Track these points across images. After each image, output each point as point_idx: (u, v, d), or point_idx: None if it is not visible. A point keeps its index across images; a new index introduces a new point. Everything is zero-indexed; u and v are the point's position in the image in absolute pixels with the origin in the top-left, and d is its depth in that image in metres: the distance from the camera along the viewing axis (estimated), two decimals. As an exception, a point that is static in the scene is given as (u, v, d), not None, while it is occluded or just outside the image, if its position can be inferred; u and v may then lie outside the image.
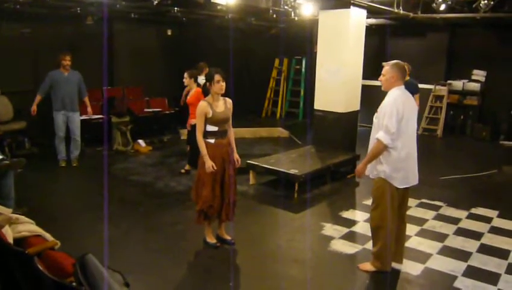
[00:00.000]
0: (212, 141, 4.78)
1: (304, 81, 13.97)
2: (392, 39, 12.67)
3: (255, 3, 8.63)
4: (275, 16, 9.67)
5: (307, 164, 7.35)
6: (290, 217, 6.14)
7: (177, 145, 10.00)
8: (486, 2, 8.45)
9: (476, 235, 5.51)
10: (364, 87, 8.84)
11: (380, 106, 4.31)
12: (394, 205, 4.31)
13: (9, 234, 3.31)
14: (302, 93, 14.08)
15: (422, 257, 4.90)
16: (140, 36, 11.90)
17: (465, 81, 11.97)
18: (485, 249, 5.13)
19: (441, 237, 5.45)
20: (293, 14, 9.84)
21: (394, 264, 4.59)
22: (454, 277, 4.47)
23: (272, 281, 4.43)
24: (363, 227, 5.71)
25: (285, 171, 6.84)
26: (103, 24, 9.96)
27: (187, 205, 6.35)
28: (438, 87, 12.23)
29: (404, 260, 4.75)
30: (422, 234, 5.54)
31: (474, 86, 11.83)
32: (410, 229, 5.63)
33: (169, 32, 12.65)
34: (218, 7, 8.79)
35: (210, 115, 4.71)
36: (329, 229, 5.62)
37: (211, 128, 4.78)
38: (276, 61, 14.59)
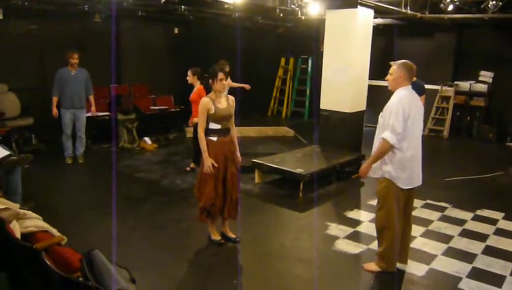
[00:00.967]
0: (214, 138, 4.78)
1: (310, 81, 13.96)
2: (399, 39, 12.64)
3: (262, 2, 8.63)
4: (281, 14, 9.67)
5: (312, 163, 7.36)
6: (295, 216, 6.15)
7: (182, 143, 10.03)
8: (494, 2, 8.40)
9: (481, 237, 5.49)
10: (370, 87, 8.83)
11: (386, 105, 4.30)
12: (399, 205, 4.31)
13: (17, 229, 3.35)
14: (308, 92, 14.07)
15: (427, 258, 4.90)
16: (147, 34, 11.94)
17: (472, 82, 11.92)
18: (490, 251, 5.11)
19: (446, 238, 5.44)
20: (299, 13, 9.84)
21: (399, 265, 4.59)
22: (459, 279, 4.46)
23: (276, 280, 4.44)
24: (367, 227, 5.70)
25: (291, 170, 6.84)
26: (111, 22, 10.00)
27: (192, 203, 6.36)
28: (444, 88, 12.18)
29: (409, 261, 4.74)
30: (427, 235, 5.53)
31: (481, 87, 11.78)
32: (415, 230, 5.62)
33: (176, 31, 12.68)
34: (225, 6, 8.80)
35: (212, 111, 4.71)
36: (334, 228, 5.63)
37: (213, 125, 4.78)
38: (283, 60, 14.59)
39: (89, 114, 8.27)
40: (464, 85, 12.00)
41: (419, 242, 5.29)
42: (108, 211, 5.78)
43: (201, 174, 4.85)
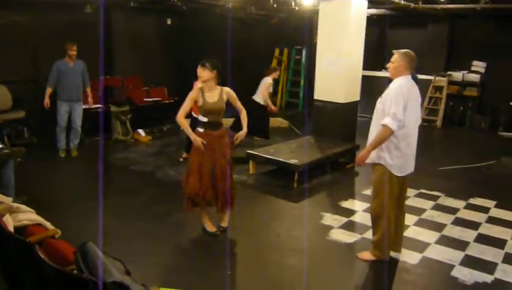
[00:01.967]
0: (201, 130, 4.77)
1: (304, 71, 13.95)
2: (393, 30, 12.66)
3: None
4: (275, 5, 9.64)
5: (307, 153, 7.37)
6: (290, 206, 6.17)
7: (176, 134, 10.00)
8: (486, -8, 8.42)
9: (473, 225, 5.54)
10: (364, 77, 8.84)
11: (385, 93, 4.29)
12: (394, 193, 4.34)
13: (10, 223, 3.33)
14: (302, 83, 14.07)
15: (420, 246, 4.94)
16: (139, 25, 11.85)
17: (465, 72, 11.96)
18: (482, 239, 5.16)
19: (439, 226, 5.48)
20: (293, 4, 9.81)
21: (392, 253, 4.62)
22: (452, 266, 4.50)
23: (270, 269, 4.46)
24: (362, 217, 5.74)
25: (285, 161, 6.85)
26: (102, 13, 9.91)
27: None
28: (437, 78, 12.21)
29: (403, 249, 4.78)
30: (421, 223, 5.57)
31: (474, 77, 11.82)
32: (409, 218, 5.66)
33: (168, 22, 12.59)
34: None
35: (200, 103, 4.70)
36: (329, 218, 5.65)
37: (201, 117, 4.78)
38: (276, 51, 14.56)
39: (86, 106, 8.23)
40: (457, 75, 12.04)
41: (412, 231, 5.33)
42: (102, 204, 5.77)
43: (189, 163, 4.86)
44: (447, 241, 5.08)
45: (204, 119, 4.75)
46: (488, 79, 11.77)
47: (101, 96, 9.44)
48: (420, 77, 12.20)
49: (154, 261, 4.47)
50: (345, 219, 5.64)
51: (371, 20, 9.91)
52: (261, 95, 9.09)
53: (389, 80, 4.44)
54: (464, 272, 4.39)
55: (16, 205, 3.61)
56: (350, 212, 5.90)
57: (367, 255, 4.61)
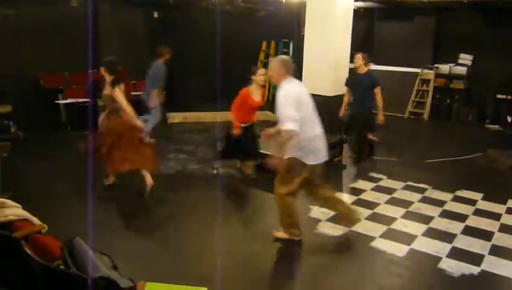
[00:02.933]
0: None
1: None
2: (380, 23, 12.69)
3: (243, -15, 8.57)
4: (262, -2, 9.61)
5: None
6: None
7: (164, 128, 9.96)
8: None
9: (460, 218, 5.59)
10: (351, 70, 8.84)
11: (277, 101, 4.44)
12: (303, 180, 4.63)
13: (-4, 218, 3.30)
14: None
15: (407, 238, 4.97)
16: (126, 18, 11.75)
17: (452, 65, 12.03)
18: (469, 231, 5.21)
19: (426, 219, 5.53)
20: (280, -3, 9.79)
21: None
22: (439, 258, 4.54)
23: (258, 261, 4.47)
24: (349, 210, 5.76)
25: (272, 155, 6.83)
26: (88, 6, 9.81)
27: (175, 189, 6.37)
28: (424, 70, 12.28)
29: (390, 242, 4.84)
30: (408, 216, 5.61)
31: (461, 70, 11.91)
32: (396, 211, 5.72)
33: (155, 15, 12.50)
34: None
35: None
36: (317, 211, 5.67)
37: None
38: (264, 44, 14.53)
39: (71, 100, 8.09)
40: (444, 68, 12.11)
41: (399, 223, 5.37)
42: (89, 198, 5.74)
43: None
44: (434, 234, 5.12)
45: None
46: (474, 72, 11.86)
47: (89, 90, 9.37)
48: (407, 70, 12.35)
49: (142, 256, 4.46)
50: (332, 212, 5.65)
51: (358, 13, 9.94)
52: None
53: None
54: (451, 264, 4.43)
55: (1, 200, 3.56)
56: (338, 205, 5.91)
57: (281, 233, 4.85)
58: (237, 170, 7.15)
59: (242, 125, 6.55)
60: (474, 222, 5.49)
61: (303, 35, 8.63)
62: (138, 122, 6.08)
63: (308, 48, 8.26)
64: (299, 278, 4.17)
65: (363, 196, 6.26)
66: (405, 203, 6.01)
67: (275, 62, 4.60)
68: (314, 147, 4.58)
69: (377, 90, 7.55)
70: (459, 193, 6.45)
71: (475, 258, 4.56)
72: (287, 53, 14.13)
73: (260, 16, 13.48)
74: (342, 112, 7.91)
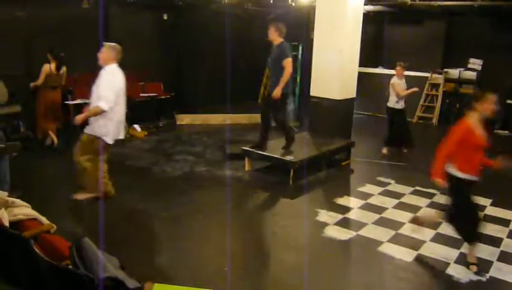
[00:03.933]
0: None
1: (300, 68, 13.91)
2: (390, 26, 12.64)
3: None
4: (271, 1, 9.60)
5: (302, 150, 7.36)
6: (285, 203, 6.18)
7: (172, 130, 10.00)
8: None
9: (469, 223, 5.54)
10: (360, 74, 8.83)
11: (99, 78, 5.31)
12: (104, 155, 5.55)
13: (5, 217, 3.32)
14: (298, 79, 14.03)
15: (415, 243, 4.95)
16: (136, 21, 11.80)
17: (462, 69, 11.97)
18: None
19: (434, 224, 5.49)
20: (290, 0, 9.78)
21: (385, 250, 4.63)
22: (447, 264, 4.52)
23: (266, 266, 4.47)
24: (357, 213, 5.75)
25: (281, 157, 6.85)
26: (99, 8, 9.87)
27: (182, 190, 6.39)
28: (434, 75, 12.22)
29: (398, 247, 4.83)
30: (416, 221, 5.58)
31: (471, 75, 11.83)
32: (404, 216, 5.69)
33: (165, 17, 12.54)
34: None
35: None
36: (324, 215, 5.66)
37: None
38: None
39: (79, 101, 8.18)
40: (454, 72, 12.04)
41: (407, 228, 5.33)
42: (98, 199, 5.76)
43: None
44: (442, 239, 5.09)
45: None
46: (484, 76, 11.78)
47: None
48: (416, 74, 12.29)
49: (149, 257, 4.46)
50: (340, 216, 5.65)
51: (367, 17, 9.92)
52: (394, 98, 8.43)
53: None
54: (459, 270, 4.40)
55: (11, 199, 3.60)
56: (345, 209, 5.90)
57: (83, 195, 5.64)
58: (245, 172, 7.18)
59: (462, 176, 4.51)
60: (483, 228, 5.44)
61: (312, 39, 8.63)
62: None
63: (317, 51, 8.26)
64: (305, 282, 4.15)
65: (370, 200, 6.24)
66: (413, 208, 5.99)
67: (108, 47, 5.42)
68: (116, 128, 5.46)
69: (285, 63, 6.96)
70: (468, 199, 6.40)
71: (484, 265, 4.52)
72: (295, 56, 14.13)
73: (270, 19, 13.47)
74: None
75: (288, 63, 6.92)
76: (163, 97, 11.05)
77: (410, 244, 4.93)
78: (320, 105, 8.23)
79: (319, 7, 8.16)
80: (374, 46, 12.62)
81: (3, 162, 5.28)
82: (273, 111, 7.21)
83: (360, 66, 8.61)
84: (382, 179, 7.13)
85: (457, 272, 4.37)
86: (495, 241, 5.07)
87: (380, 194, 6.50)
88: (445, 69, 12.15)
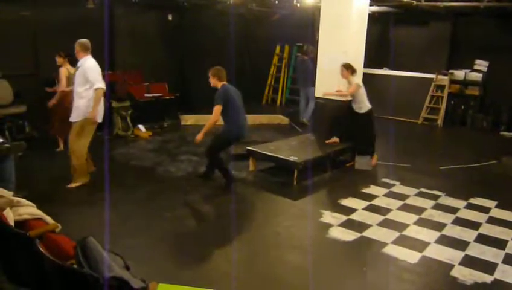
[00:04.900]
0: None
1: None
2: (395, 27, 12.61)
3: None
4: (276, 1, 9.61)
5: (307, 151, 7.36)
6: (289, 204, 6.17)
7: (177, 130, 10.01)
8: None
9: (474, 225, 5.53)
10: (365, 75, 8.81)
11: (82, 67, 6.20)
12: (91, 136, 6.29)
13: (11, 217, 3.33)
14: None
15: (420, 245, 4.93)
16: (141, 21, 11.84)
17: (467, 71, 11.93)
18: (482, 239, 5.15)
19: (439, 226, 5.48)
20: (295, 1, 9.78)
21: (390, 252, 4.61)
22: (452, 266, 4.50)
23: (269, 267, 4.46)
24: (361, 215, 5.74)
25: (285, 158, 6.85)
26: (104, 8, 9.90)
27: (186, 190, 6.40)
28: (439, 76, 12.19)
29: (402, 248, 4.81)
30: (421, 222, 5.57)
31: (476, 76, 11.79)
32: (408, 217, 5.68)
33: (170, 17, 12.58)
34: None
35: None
36: (328, 216, 5.65)
37: None
38: (277, 48, 14.54)
39: None
40: (459, 74, 12.00)
41: (412, 230, 5.33)
42: (103, 199, 5.78)
43: None
44: (447, 241, 5.07)
45: None
46: (490, 78, 11.74)
47: (106, 91, 9.43)
48: (421, 75, 12.28)
49: (154, 257, 4.47)
50: (344, 217, 5.64)
51: (372, 18, 9.91)
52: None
53: None
54: (464, 272, 4.39)
55: (16, 199, 3.61)
56: (349, 210, 5.89)
57: (74, 184, 6.21)
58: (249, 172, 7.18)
59: None
60: (487, 229, 5.43)
61: (317, 40, 8.62)
62: None
63: (322, 52, 8.25)
64: (309, 283, 4.15)
65: (375, 202, 6.23)
66: (418, 210, 5.97)
67: (78, 43, 6.34)
68: (102, 107, 6.26)
69: None
70: (473, 201, 6.38)
71: (488, 267, 4.51)
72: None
73: (274, 20, 13.48)
74: None
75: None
76: (167, 98, 11.05)
77: (415, 246, 4.91)
78: (325, 106, 8.22)
79: (324, 8, 8.15)
80: (379, 47, 12.59)
81: (8, 161, 5.29)
82: None
83: (365, 67, 8.59)
84: (387, 180, 7.12)
85: (461, 274, 4.35)
86: (500, 243, 5.05)
87: (384, 195, 6.49)
88: (450, 71, 12.11)
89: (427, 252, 4.78)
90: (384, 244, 4.93)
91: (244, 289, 4.06)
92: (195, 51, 12.12)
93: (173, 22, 12.62)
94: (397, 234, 5.20)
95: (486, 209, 6.07)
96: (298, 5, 10.20)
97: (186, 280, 3.90)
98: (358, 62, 8.27)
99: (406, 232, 5.24)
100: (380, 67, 12.80)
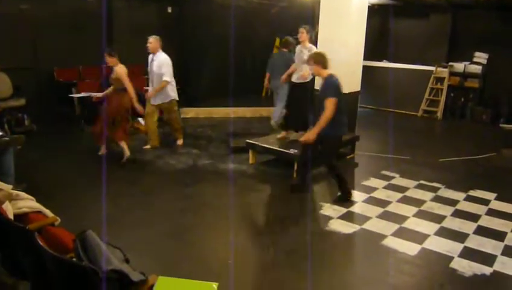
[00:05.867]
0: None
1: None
2: (395, 20, 12.57)
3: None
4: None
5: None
6: (289, 196, 6.17)
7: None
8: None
9: (473, 217, 5.54)
10: (365, 68, 8.78)
11: (158, 60, 7.59)
12: None
13: (10, 210, 3.33)
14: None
15: (419, 237, 4.94)
16: (140, 14, 11.78)
17: (467, 63, 11.91)
18: (481, 231, 5.16)
19: (438, 218, 5.48)
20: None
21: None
22: (451, 258, 4.51)
23: (269, 259, 4.47)
24: (361, 207, 5.74)
25: (285, 150, 6.84)
26: (103, 0, 9.86)
27: (186, 183, 6.40)
28: (439, 69, 12.17)
29: (402, 240, 4.82)
30: (420, 215, 5.58)
31: (476, 68, 11.77)
32: (408, 210, 5.69)
33: (169, 10, 12.52)
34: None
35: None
36: (328, 208, 5.65)
37: None
38: (277, 41, 14.47)
39: (84, 94, 8.17)
40: (459, 66, 11.98)
41: (412, 222, 5.33)
42: (102, 192, 5.78)
43: None
44: (447, 233, 5.08)
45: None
46: (489, 70, 11.72)
47: (103, 84, 9.41)
48: (421, 67, 12.25)
49: (154, 250, 4.48)
50: (344, 210, 5.64)
51: (372, 10, 9.86)
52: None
53: None
54: (463, 264, 4.40)
55: (15, 192, 3.61)
56: (349, 202, 5.89)
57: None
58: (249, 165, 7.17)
59: None
60: (487, 222, 5.44)
61: (317, 32, 8.58)
62: None
63: (321, 44, 8.21)
64: (310, 276, 4.16)
65: (375, 194, 6.23)
66: (417, 202, 5.98)
67: (153, 38, 7.63)
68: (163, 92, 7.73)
69: None
70: (472, 193, 6.39)
71: (487, 259, 4.52)
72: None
73: (274, 12, 13.42)
74: None
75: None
76: (167, 90, 11.01)
77: (414, 238, 4.92)
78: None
79: (323, 0, 8.11)
80: (379, 40, 12.56)
81: (7, 155, 5.29)
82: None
83: (364, 59, 8.56)
84: (387, 172, 7.12)
85: (461, 266, 4.36)
86: (499, 235, 5.06)
87: (384, 188, 6.49)
88: (450, 63, 12.09)
89: (426, 244, 4.79)
90: (384, 236, 4.94)
91: (244, 281, 4.06)
92: (195, 43, 12.07)
93: (173, 14, 12.57)
94: (397, 226, 5.21)
95: (485, 202, 6.08)
96: (298, -4, 10.14)
97: (186, 273, 3.90)
98: (358, 54, 8.25)
99: (405, 225, 5.25)
100: (380, 60, 12.77)
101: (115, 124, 7.07)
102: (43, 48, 9.03)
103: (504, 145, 9.11)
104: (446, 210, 5.74)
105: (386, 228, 5.15)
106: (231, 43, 10.54)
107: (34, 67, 9.03)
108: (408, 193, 6.31)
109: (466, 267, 4.35)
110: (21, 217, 3.42)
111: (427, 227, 5.21)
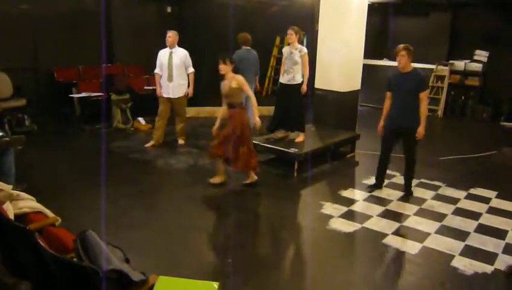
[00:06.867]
0: (224, 107, 6.23)
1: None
2: (395, 18, 12.56)
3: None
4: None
5: (307, 143, 7.35)
6: (290, 195, 6.17)
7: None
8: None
9: (474, 216, 5.53)
10: (365, 66, 8.78)
11: (180, 54, 7.89)
12: None
13: (10, 210, 3.33)
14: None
15: (420, 236, 4.94)
16: (140, 13, 11.78)
17: (467, 61, 11.89)
18: (483, 229, 5.16)
19: (439, 216, 5.48)
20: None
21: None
22: (452, 256, 4.50)
23: (270, 258, 4.47)
24: (362, 206, 5.74)
25: (285, 150, 6.84)
26: (102, 0, 9.86)
27: (186, 183, 6.39)
28: (439, 67, 12.15)
29: (403, 239, 4.82)
30: (421, 213, 5.57)
31: (476, 67, 11.76)
32: (409, 208, 5.68)
33: (169, 9, 12.52)
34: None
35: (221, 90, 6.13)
36: (329, 207, 5.65)
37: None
38: (277, 40, 14.47)
39: (84, 94, 8.16)
40: (459, 64, 11.97)
41: (412, 220, 5.33)
42: (102, 192, 5.78)
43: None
44: (447, 232, 5.07)
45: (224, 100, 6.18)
46: (490, 68, 11.71)
47: (103, 84, 9.42)
48: (421, 66, 12.21)
49: (154, 249, 4.48)
50: (345, 208, 5.64)
51: (372, 8, 9.85)
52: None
53: None
54: (464, 262, 4.39)
55: (16, 192, 3.60)
56: (350, 201, 5.90)
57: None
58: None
59: None
60: (487, 220, 5.43)
61: (317, 30, 8.58)
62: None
63: (321, 43, 8.22)
64: (310, 274, 4.16)
65: (375, 193, 6.22)
66: (418, 201, 5.97)
67: (172, 33, 8.01)
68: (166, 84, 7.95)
69: None
70: (473, 191, 6.38)
71: (488, 257, 4.52)
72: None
73: (274, 11, 13.41)
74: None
75: None
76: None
77: (415, 236, 4.92)
78: (324, 97, 8.20)
79: (323, -1, 8.11)
80: (379, 38, 12.55)
81: (8, 155, 5.29)
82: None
83: (364, 58, 8.56)
84: (387, 171, 7.10)
85: (462, 264, 4.36)
86: (500, 234, 5.05)
87: (385, 186, 6.48)
88: (450, 61, 12.07)
89: (427, 243, 4.78)
90: (385, 235, 4.93)
91: (244, 280, 4.06)
92: (195, 42, 12.05)
93: (172, 13, 12.56)
94: (397, 224, 5.20)
95: (486, 200, 6.07)
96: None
97: (186, 273, 3.90)
98: (358, 53, 8.24)
99: (406, 223, 5.25)
100: (380, 58, 12.76)
101: (240, 148, 6.00)
102: (43, 48, 9.03)
103: (505, 143, 9.10)
104: (447, 208, 5.73)
105: (387, 226, 5.15)
106: (231, 42, 10.51)
107: (34, 67, 9.02)
108: (409, 192, 6.30)
109: (467, 265, 4.34)
110: (21, 217, 3.42)
111: (428, 225, 5.20)
